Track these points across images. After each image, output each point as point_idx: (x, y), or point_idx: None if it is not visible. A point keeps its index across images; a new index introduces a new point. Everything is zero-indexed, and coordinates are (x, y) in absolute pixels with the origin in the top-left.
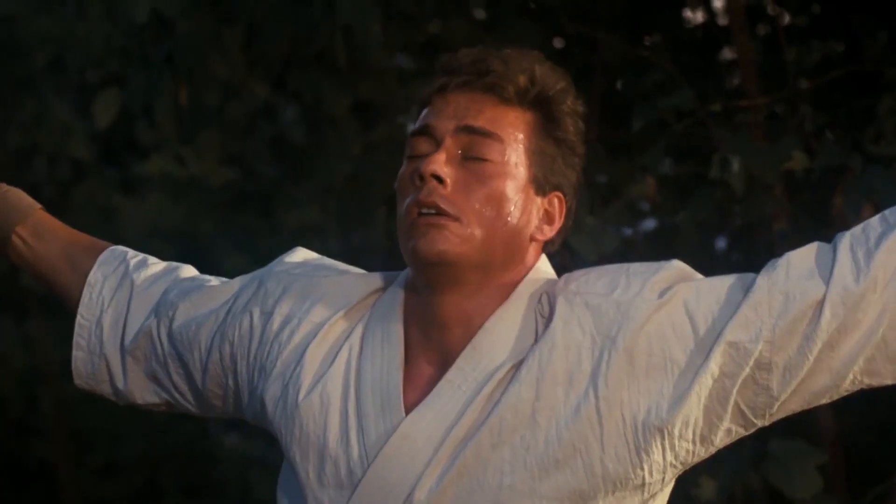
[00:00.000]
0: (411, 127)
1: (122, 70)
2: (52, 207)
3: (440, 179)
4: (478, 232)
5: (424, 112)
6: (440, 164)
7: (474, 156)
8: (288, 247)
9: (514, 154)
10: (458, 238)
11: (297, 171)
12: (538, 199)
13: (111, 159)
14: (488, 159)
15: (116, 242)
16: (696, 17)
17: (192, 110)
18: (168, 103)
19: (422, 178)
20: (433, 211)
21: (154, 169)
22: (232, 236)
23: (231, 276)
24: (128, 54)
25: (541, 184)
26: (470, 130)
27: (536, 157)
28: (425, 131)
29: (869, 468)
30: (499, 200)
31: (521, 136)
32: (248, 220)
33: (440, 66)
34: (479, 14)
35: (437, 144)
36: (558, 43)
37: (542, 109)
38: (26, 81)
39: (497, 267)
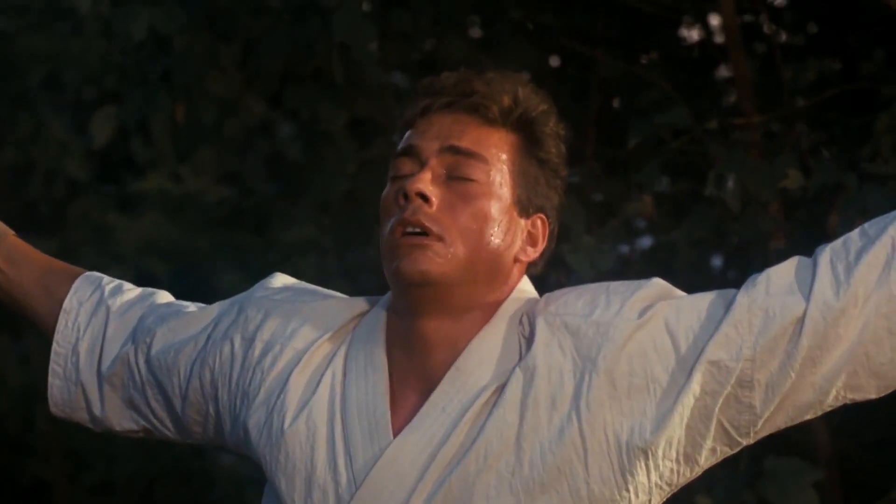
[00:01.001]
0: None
1: (119, 87)
2: (48, 225)
3: (425, 198)
4: (461, 251)
5: (408, 133)
6: (426, 182)
7: (459, 176)
8: (284, 264)
9: (498, 175)
10: (441, 258)
11: (293, 188)
12: (522, 221)
13: (107, 177)
14: (473, 179)
15: (112, 259)
16: (692, 35)
17: (188, 127)
18: (164, 121)
19: (406, 196)
20: (418, 230)
21: (150, 186)
22: (228, 254)
23: (226, 293)
24: (124, 71)
25: (524, 205)
26: (454, 151)
27: (520, 178)
28: (409, 152)
29: (865, 485)
30: (483, 220)
31: (504, 156)
32: (243, 238)
33: (423, 89)
34: (476, 32)
35: (422, 164)
36: (555, 61)
37: (526, 131)
38: (22, 98)
39: (480, 287)
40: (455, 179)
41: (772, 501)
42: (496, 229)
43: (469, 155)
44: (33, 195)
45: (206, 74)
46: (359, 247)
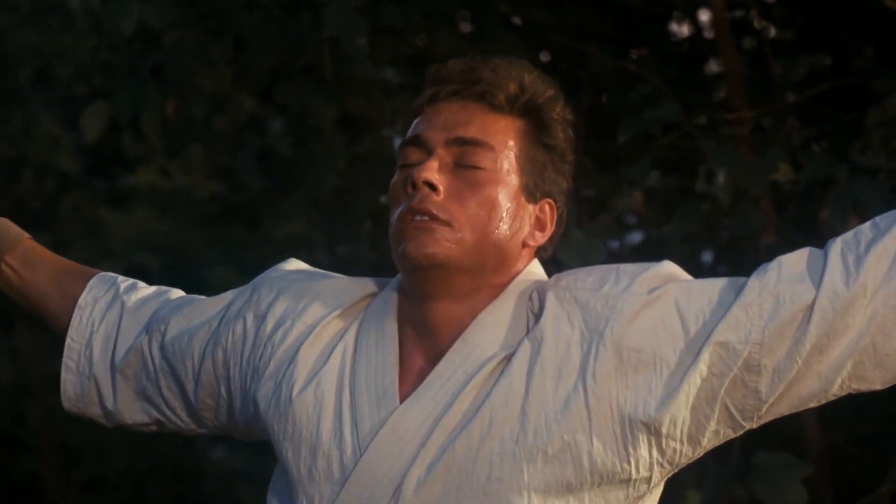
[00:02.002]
0: (400, 138)
1: (109, 83)
2: (39, 219)
3: (433, 186)
4: (469, 237)
5: (416, 122)
6: (433, 171)
7: (466, 163)
8: (274, 259)
9: (505, 161)
10: (448, 241)
11: (283, 183)
12: (530, 206)
13: (98, 172)
14: (480, 167)
15: (103, 254)
16: (682, 30)
17: (178, 123)
18: (155, 116)
19: (414, 185)
20: (426, 217)
21: (141, 181)
22: (218, 249)
23: (217, 288)
24: (115, 67)
25: (532, 191)
26: (461, 142)
27: (527, 164)
28: (416, 141)
29: (855, 481)
30: (491, 207)
31: (511, 143)
32: (234, 233)
33: (430, 77)
34: (466, 28)
35: (429, 153)
36: (545, 56)
37: (532, 117)
38: (13, 94)
39: (488, 272)
40: (462, 167)
41: (761, 497)
42: (504, 215)
43: (476, 143)
44: (25, 190)
45: (197, 70)
46: (349, 241)
